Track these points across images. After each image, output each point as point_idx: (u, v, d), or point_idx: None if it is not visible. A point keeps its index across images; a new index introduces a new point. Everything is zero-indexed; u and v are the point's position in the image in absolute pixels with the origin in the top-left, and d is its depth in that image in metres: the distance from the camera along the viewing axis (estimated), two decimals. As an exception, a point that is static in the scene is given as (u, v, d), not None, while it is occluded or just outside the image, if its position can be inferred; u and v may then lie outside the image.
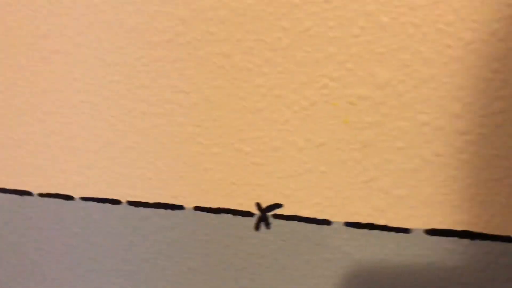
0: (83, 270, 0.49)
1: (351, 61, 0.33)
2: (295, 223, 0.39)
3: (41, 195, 0.49)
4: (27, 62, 0.45)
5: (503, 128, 0.30)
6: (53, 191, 0.48)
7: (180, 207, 0.43)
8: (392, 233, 0.35)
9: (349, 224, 0.36)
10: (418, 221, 0.34)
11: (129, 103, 0.42)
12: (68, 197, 0.48)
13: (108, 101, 0.43)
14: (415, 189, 0.33)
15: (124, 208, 0.46)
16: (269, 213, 0.39)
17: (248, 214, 0.41)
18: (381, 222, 0.35)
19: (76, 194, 0.47)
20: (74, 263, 0.49)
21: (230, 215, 0.41)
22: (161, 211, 0.44)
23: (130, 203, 0.45)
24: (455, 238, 0.33)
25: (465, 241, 0.33)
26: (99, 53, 0.43)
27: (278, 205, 0.39)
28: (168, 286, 0.45)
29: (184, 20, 0.38)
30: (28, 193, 0.48)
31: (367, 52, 0.33)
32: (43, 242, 0.50)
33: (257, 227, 0.40)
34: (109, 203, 0.46)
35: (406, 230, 0.34)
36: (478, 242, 0.33)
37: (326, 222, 0.37)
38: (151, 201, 0.44)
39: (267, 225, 0.40)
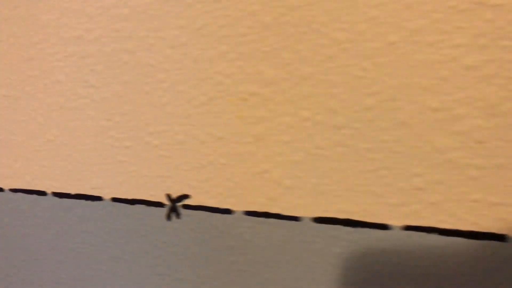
0: (13, 259, 0.51)
1: (241, 59, 0.35)
2: (202, 212, 0.41)
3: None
4: None
5: (374, 123, 0.32)
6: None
7: (99, 198, 0.45)
8: (285, 221, 0.37)
9: (248, 213, 0.39)
10: (306, 210, 0.36)
11: (47, 98, 0.44)
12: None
13: (28, 96, 0.44)
14: (302, 180, 0.35)
15: (49, 199, 0.48)
16: (178, 204, 0.41)
17: (160, 204, 0.43)
18: (275, 210, 0.37)
19: (5, 186, 0.48)
20: (3, 252, 0.51)
21: (144, 206, 0.43)
22: (83, 202, 0.46)
23: (55, 194, 0.47)
24: (339, 226, 0.35)
25: (348, 229, 0.35)
26: (16, 49, 0.44)
27: (186, 196, 0.41)
28: (92, 274, 0.47)
29: (91, 17, 0.40)
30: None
31: (254, 51, 0.35)
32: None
33: (168, 217, 0.42)
34: (36, 194, 0.48)
35: (296, 218, 0.37)
36: (359, 229, 0.35)
37: (228, 211, 0.39)
38: (73, 192, 0.46)
39: (178, 215, 0.42)
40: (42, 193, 0.48)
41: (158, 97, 0.39)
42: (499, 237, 0.30)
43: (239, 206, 0.39)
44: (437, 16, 0.29)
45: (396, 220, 0.33)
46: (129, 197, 0.43)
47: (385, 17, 0.30)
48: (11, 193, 0.50)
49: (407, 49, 0.30)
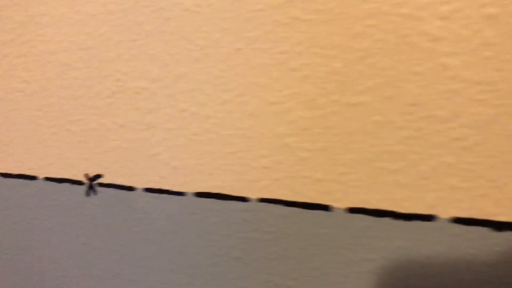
0: None
1: (133, 60, 0.44)
2: (113, 189, 0.50)
3: None
4: None
5: (232, 114, 0.41)
6: None
7: (34, 178, 0.54)
8: (175, 196, 0.46)
9: (146, 190, 0.47)
10: (189, 186, 0.45)
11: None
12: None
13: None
14: (184, 161, 0.44)
15: (-4, 179, 0.57)
16: (94, 182, 0.50)
17: (80, 183, 0.51)
18: (167, 187, 0.46)
19: None
20: None
21: (69, 184, 0.52)
22: (21, 181, 0.55)
23: (1, 174, 0.56)
24: (213, 199, 0.44)
25: (220, 201, 0.44)
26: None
27: (99, 176, 0.50)
28: (29, 244, 0.56)
29: (21, 23, 0.49)
30: None
31: (142, 53, 0.43)
32: None
33: (87, 194, 0.51)
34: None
35: (182, 194, 0.45)
36: (228, 202, 0.44)
37: (131, 188, 0.48)
38: (14, 172, 0.55)
39: (94, 192, 0.51)
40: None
41: (74, 91, 0.48)
42: (324, 207, 0.39)
43: (139, 183, 0.47)
44: (267, 28, 0.37)
45: (253, 194, 0.41)
46: (58, 176, 0.52)
47: (233, 28, 0.38)
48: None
49: (249, 54, 0.38)
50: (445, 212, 0.33)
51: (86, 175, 0.49)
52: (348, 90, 0.34)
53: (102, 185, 0.49)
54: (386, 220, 0.35)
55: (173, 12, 0.40)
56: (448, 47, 0.31)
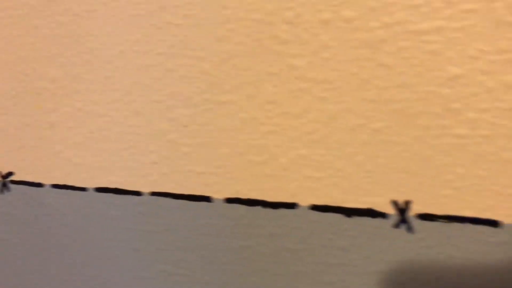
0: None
1: (34, 62, 0.47)
2: (24, 186, 0.52)
3: None
4: None
5: (122, 112, 0.44)
6: None
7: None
8: (77, 191, 0.49)
9: (53, 186, 0.50)
10: (90, 182, 0.48)
11: None
12: None
13: None
14: (84, 158, 0.47)
15: None
16: (7, 179, 0.53)
17: (-5, 180, 0.53)
18: (70, 183, 0.49)
19: None
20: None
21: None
22: None
23: None
24: (111, 194, 0.47)
25: (117, 196, 0.47)
26: None
27: (11, 173, 0.52)
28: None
29: None
30: None
31: (38, 56, 0.46)
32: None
33: (1, 191, 0.54)
34: None
35: (83, 189, 0.48)
36: (124, 196, 0.47)
37: (40, 185, 0.51)
38: None
39: (7, 189, 0.53)
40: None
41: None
42: (206, 199, 0.42)
43: (47, 180, 0.50)
44: (146, 32, 0.40)
45: (145, 188, 0.44)
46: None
47: (116, 32, 0.41)
48: None
49: (131, 55, 0.41)
50: (304, 200, 0.37)
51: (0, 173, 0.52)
52: (218, 89, 0.38)
53: (14, 182, 0.52)
54: (258, 208, 0.39)
55: (65, 17, 0.43)
56: (295, 50, 0.34)
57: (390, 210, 0.34)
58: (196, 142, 0.39)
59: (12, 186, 0.52)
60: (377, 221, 0.34)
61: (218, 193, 0.40)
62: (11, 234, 0.52)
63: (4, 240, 0.53)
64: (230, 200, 0.40)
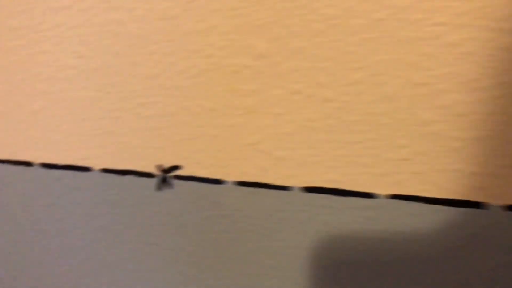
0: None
1: (232, 33, 0.40)
2: (193, 183, 0.46)
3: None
4: None
5: (361, 97, 0.37)
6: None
7: (88, 169, 0.49)
8: (275, 191, 0.42)
9: (239, 183, 0.44)
10: (295, 180, 0.41)
11: (34, 68, 0.48)
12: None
13: (14, 66, 0.48)
14: (292, 151, 0.40)
15: (36, 170, 0.52)
16: (170, 174, 0.46)
17: (150, 175, 0.47)
18: (266, 180, 0.42)
19: None
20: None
21: (134, 176, 0.48)
22: (71, 172, 0.51)
23: (42, 165, 0.51)
24: (327, 195, 0.41)
25: (335, 198, 0.40)
26: (1, 18, 0.47)
27: (177, 167, 0.46)
28: (79, 244, 0.52)
29: None
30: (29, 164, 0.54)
31: (245, 24, 0.39)
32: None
33: (158, 187, 0.47)
34: (22, 165, 0.52)
35: (285, 188, 0.42)
36: (346, 198, 0.40)
37: (219, 181, 0.44)
38: (61, 163, 0.50)
39: (168, 185, 0.47)
40: (28, 164, 0.52)
41: (149, 69, 0.43)
42: (476, 205, 0.36)
43: (230, 176, 0.43)
44: None
45: (381, 189, 0.38)
46: (119, 167, 0.48)
47: None
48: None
49: (392, 26, 0.34)
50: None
51: (159, 166, 0.45)
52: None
53: (179, 177, 0.45)
54: None
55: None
56: None
57: None
58: (473, 135, 0.33)
59: (176, 182, 0.45)
60: None
61: (497, 199, 0.34)
62: (166, 239, 0.46)
63: (155, 244, 0.47)
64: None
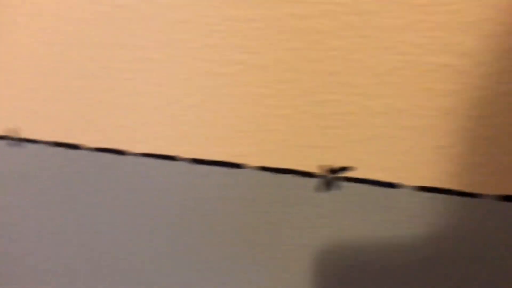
0: (137, 225, 0.54)
1: (434, 29, 0.38)
2: (362, 185, 0.44)
3: (96, 149, 0.54)
4: (90, 15, 0.49)
5: None
6: (109, 146, 0.53)
7: (240, 166, 0.48)
8: (464, 198, 0.40)
9: (420, 188, 0.42)
10: (490, 187, 0.39)
11: (195, 62, 0.47)
12: (124, 153, 0.53)
13: (172, 59, 0.47)
14: (490, 157, 0.38)
15: (182, 165, 0.51)
16: (336, 175, 0.45)
17: (311, 175, 0.46)
18: (453, 186, 0.40)
19: (135, 150, 0.52)
20: (128, 218, 0.55)
21: (292, 176, 0.47)
22: (221, 169, 0.50)
23: (190, 160, 0.50)
24: None
25: None
26: (166, 10, 0.47)
27: (347, 168, 0.44)
28: (225, 242, 0.51)
29: None
30: (76, 147, 0.54)
31: (451, 21, 0.37)
32: (97, 197, 0.56)
33: (321, 188, 0.46)
34: (168, 159, 0.51)
35: (476, 195, 0.39)
36: None
37: (394, 185, 0.42)
38: (211, 158, 0.49)
39: (333, 186, 0.45)
40: (174, 159, 0.51)
41: (329, 65, 0.42)
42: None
43: (409, 180, 0.41)
44: None
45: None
46: (277, 166, 0.46)
47: None
48: (140, 157, 0.53)
49: None
50: None
51: (326, 167, 0.44)
52: None
53: (347, 179, 0.43)
54: None
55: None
56: None
57: None
58: None
59: (343, 184, 0.43)
60: None
61: None
62: (325, 240, 0.44)
63: (311, 246, 0.45)
64: None
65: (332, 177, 0.44)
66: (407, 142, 0.40)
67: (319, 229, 0.45)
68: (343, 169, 0.44)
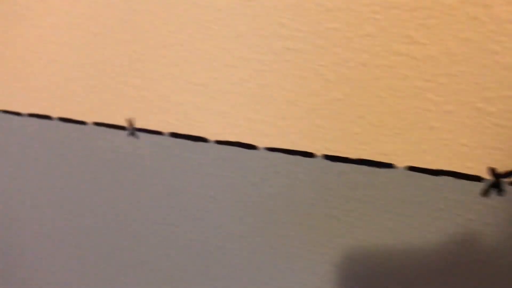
0: (258, 222, 0.52)
1: None
2: None
3: (219, 142, 0.52)
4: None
5: None
6: (233, 139, 0.51)
7: (388, 165, 0.45)
8: None
9: None
10: None
11: (346, 53, 0.44)
12: (251, 146, 0.50)
13: (319, 50, 0.45)
14: None
15: (317, 161, 0.49)
16: (504, 180, 0.41)
17: (476, 178, 0.42)
18: None
19: (261, 144, 0.50)
20: (245, 213, 0.52)
21: (450, 178, 0.43)
22: (363, 168, 0.47)
23: (326, 157, 0.48)
24: None
25: None
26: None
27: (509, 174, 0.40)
28: (355, 245, 0.48)
29: None
30: (204, 140, 0.52)
31: None
32: (215, 190, 0.54)
33: (485, 193, 0.42)
34: (300, 155, 0.49)
35: None
36: None
37: None
38: (352, 156, 0.46)
39: (499, 191, 0.41)
40: (309, 155, 0.48)
41: (506, 58, 0.38)
42: None
43: None
44: None
45: None
46: (433, 167, 0.43)
47: None
48: (266, 152, 0.50)
49: None
50: None
51: (493, 170, 0.40)
52: None
53: (517, 184, 0.39)
54: None
55: None
56: None
57: None
58: None
59: (509, 188, 0.39)
60: None
61: None
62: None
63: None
64: None
65: (498, 181, 0.41)
66: None
67: (479, 236, 0.42)
68: (509, 173, 0.40)
